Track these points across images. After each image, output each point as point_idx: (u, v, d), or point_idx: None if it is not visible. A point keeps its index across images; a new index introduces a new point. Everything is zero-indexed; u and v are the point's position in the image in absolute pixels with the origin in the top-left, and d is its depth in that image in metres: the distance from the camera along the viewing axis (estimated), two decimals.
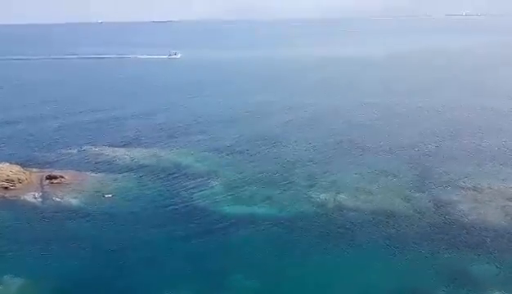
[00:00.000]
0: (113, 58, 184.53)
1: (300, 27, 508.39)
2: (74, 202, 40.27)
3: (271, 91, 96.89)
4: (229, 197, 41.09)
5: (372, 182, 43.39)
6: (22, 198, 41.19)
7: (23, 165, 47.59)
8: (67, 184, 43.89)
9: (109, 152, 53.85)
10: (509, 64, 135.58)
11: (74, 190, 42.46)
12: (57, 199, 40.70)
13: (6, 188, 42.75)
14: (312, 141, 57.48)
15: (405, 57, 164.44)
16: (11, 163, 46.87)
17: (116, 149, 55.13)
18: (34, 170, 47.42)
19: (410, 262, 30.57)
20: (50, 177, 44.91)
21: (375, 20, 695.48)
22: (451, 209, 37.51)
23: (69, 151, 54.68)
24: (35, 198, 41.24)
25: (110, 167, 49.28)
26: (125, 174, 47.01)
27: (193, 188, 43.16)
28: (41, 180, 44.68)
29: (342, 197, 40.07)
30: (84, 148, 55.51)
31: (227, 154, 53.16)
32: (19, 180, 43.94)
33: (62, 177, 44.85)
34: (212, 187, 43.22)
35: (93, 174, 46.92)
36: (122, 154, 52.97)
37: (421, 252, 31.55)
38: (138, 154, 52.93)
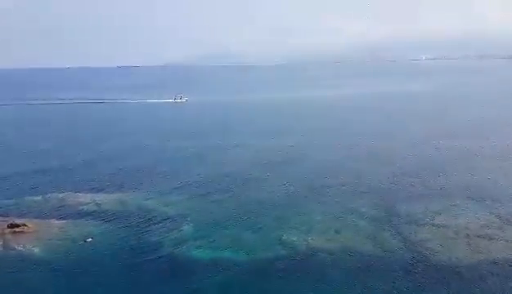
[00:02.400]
0: (117, 102, 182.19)
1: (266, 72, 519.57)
2: (38, 251, 38.88)
3: (251, 132, 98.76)
4: (198, 241, 40.61)
5: (341, 222, 43.94)
6: None
7: None
8: (30, 232, 42.37)
9: (74, 198, 52.61)
10: (469, 104, 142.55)
11: (38, 239, 41.00)
12: (20, 248, 39.21)
13: None
14: (281, 182, 58.03)
15: (369, 99, 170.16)
16: None
17: (82, 195, 53.91)
18: None
19: None
20: (12, 226, 43.16)
21: (336, 65, 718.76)
22: (418, 247, 38.29)
23: (33, 198, 53.00)
24: None
25: (75, 213, 48.01)
26: (91, 221, 45.91)
27: (162, 233, 42.47)
28: (2, 230, 42.85)
29: (312, 238, 40.37)
30: (49, 195, 53.97)
31: (195, 197, 52.85)
32: None
33: (25, 225, 43.28)
34: (181, 231, 42.67)
35: (58, 221, 45.57)
36: (88, 200, 51.84)
37: (389, 291, 31.93)
38: (105, 200, 51.93)
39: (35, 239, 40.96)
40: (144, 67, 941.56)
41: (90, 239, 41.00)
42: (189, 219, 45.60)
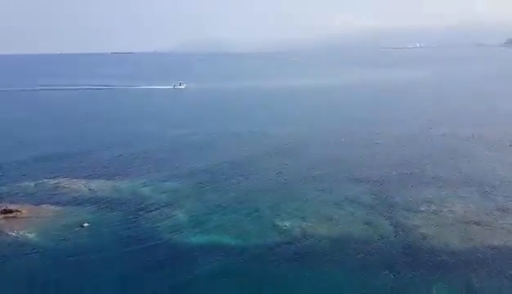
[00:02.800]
0: (114, 89, 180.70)
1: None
2: (32, 236, 38.45)
3: (250, 119, 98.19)
4: (194, 227, 40.46)
5: (336, 209, 43.89)
6: None
7: None
8: (24, 218, 41.97)
9: (67, 184, 52.07)
10: (463, 93, 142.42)
11: (32, 224, 40.58)
12: (13, 234, 38.78)
13: None
14: (277, 169, 57.82)
15: (362, 87, 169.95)
16: None
17: (75, 181, 53.35)
18: None
19: (372, 286, 30.97)
20: (5, 211, 42.71)
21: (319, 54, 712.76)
22: (413, 233, 38.31)
23: (26, 184, 52.45)
24: None
25: (70, 199, 47.57)
26: (86, 207, 45.50)
27: (158, 219, 42.15)
28: None
29: (307, 224, 40.29)
30: (42, 180, 53.46)
31: (192, 184, 52.52)
32: None
33: (18, 211, 42.87)
34: (176, 218, 42.44)
35: (52, 207, 45.13)
36: (81, 187, 51.39)
37: (385, 277, 31.93)
38: (98, 186, 51.49)
39: (29, 225, 40.54)
40: (138, 53, 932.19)
41: (86, 224, 40.69)
42: (186, 206, 45.32)
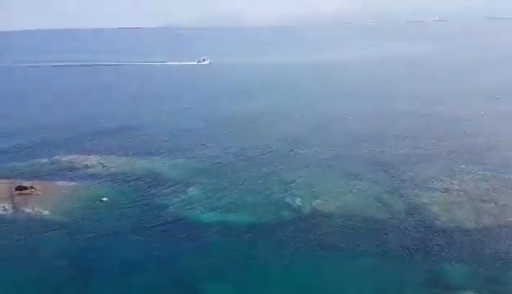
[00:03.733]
0: (142, 65, 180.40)
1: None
2: (46, 213, 39.23)
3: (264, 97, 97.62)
4: (206, 204, 40.98)
5: (345, 187, 44.01)
6: None
7: None
8: (38, 194, 42.69)
9: (80, 161, 52.77)
10: (468, 70, 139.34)
11: (46, 201, 41.30)
12: (28, 211, 39.58)
13: None
14: (287, 148, 57.86)
15: (369, 63, 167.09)
16: None
17: (88, 157, 53.98)
18: (2, 181, 45.84)
19: (384, 265, 31.22)
20: (20, 188, 43.46)
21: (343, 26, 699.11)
22: (422, 211, 38.42)
23: (40, 161, 53.24)
24: (4, 210, 39.98)
25: (81, 176, 48.28)
26: (97, 183, 46.12)
27: (169, 196, 42.77)
28: (10, 192, 43.16)
29: (317, 202, 40.56)
30: (55, 157, 54.17)
31: (203, 162, 52.94)
32: None
33: (33, 188, 43.56)
34: (188, 195, 42.95)
35: (65, 184, 45.83)
36: (94, 163, 52.05)
37: (394, 255, 32.23)
38: (111, 163, 52.08)
39: (43, 201, 41.19)
40: (147, 29, 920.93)
41: (105, 199, 41.42)
42: (196, 183, 45.72)
